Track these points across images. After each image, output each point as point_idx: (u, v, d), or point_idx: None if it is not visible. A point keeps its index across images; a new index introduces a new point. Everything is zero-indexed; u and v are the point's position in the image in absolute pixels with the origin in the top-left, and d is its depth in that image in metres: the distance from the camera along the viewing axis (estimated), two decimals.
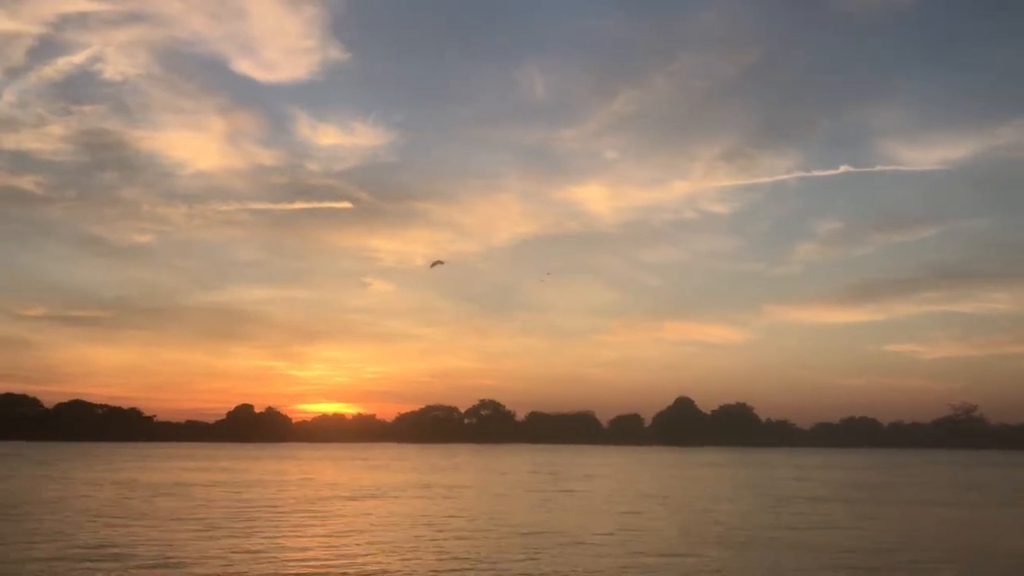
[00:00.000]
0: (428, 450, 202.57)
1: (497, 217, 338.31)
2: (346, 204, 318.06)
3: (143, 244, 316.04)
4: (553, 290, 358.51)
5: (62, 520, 39.60)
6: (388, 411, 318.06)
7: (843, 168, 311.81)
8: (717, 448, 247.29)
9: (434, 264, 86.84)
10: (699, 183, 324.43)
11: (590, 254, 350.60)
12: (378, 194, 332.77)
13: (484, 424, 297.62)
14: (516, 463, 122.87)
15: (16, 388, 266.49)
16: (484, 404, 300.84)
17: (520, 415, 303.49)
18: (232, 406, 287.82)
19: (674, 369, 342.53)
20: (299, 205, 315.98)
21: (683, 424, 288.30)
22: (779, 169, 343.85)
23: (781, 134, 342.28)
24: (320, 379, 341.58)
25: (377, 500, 53.31)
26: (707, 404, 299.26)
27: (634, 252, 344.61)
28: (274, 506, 48.50)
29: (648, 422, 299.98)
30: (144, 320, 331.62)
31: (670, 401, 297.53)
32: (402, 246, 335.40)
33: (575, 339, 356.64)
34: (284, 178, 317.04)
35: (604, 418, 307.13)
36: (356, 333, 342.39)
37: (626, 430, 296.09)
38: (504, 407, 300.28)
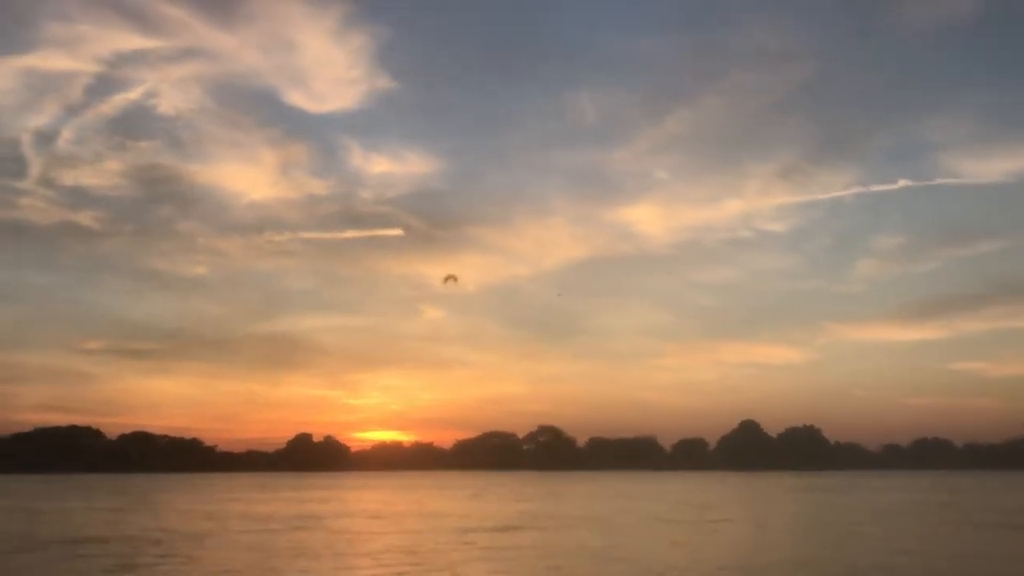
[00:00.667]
0: (497, 477, 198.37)
1: (548, 241, 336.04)
2: (397, 231, 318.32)
3: (199, 276, 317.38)
4: (606, 313, 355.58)
5: (245, 560, 36.40)
6: (444, 438, 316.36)
7: (902, 182, 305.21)
8: (787, 472, 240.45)
9: (447, 279, 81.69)
10: (754, 201, 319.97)
11: (643, 276, 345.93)
12: (429, 220, 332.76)
13: (544, 451, 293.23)
14: (613, 490, 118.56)
15: (77, 420, 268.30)
16: (543, 430, 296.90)
17: (580, 441, 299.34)
18: (290, 435, 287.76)
19: (733, 391, 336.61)
20: (351, 233, 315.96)
21: (749, 448, 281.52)
22: (836, 185, 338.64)
23: (838, 149, 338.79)
24: (375, 407, 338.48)
25: (532, 532, 49.55)
26: (772, 427, 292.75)
27: (688, 272, 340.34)
28: (441, 540, 44.98)
29: (712, 446, 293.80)
30: (201, 351, 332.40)
31: (733, 424, 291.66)
32: (454, 272, 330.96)
33: (630, 362, 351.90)
34: (336, 207, 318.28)
35: (666, 442, 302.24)
36: (410, 360, 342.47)
37: (690, 454, 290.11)
38: (564, 433, 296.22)
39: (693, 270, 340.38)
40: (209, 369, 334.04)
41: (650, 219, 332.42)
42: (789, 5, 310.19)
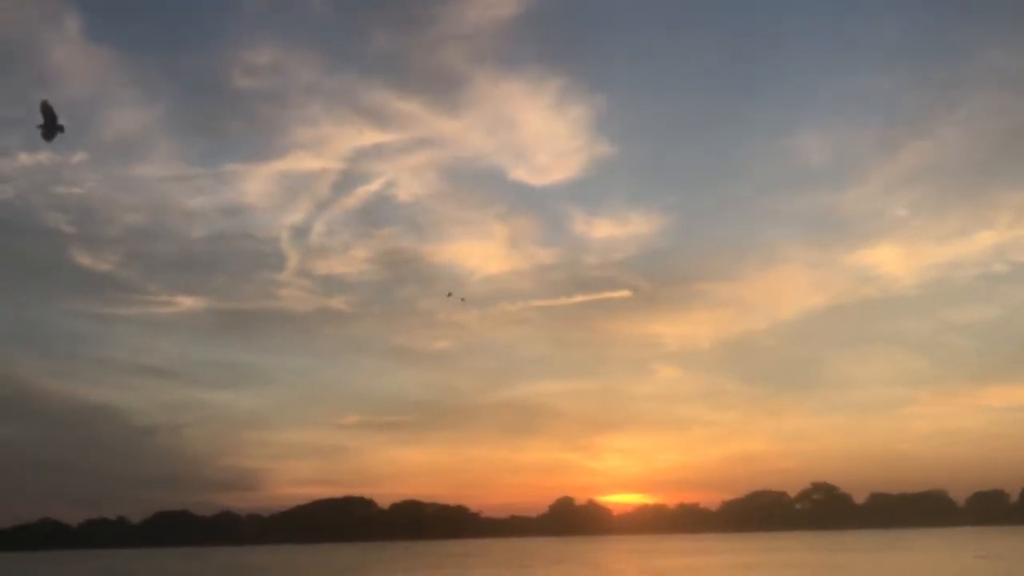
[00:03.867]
0: (786, 540, 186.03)
1: (783, 290, 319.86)
2: (625, 293, 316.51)
3: (441, 349, 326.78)
4: (852, 362, 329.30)
5: None
6: (686, 499, 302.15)
7: None
8: None
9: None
10: (1008, 231, 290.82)
11: (890, 320, 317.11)
12: (656, 279, 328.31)
13: (818, 509, 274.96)
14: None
15: (336, 492, 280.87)
16: (816, 488, 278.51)
17: (856, 497, 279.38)
18: (537, 499, 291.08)
19: (1003, 439, 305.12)
20: (579, 298, 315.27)
21: None
22: None
23: None
24: (615, 470, 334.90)
25: None
26: None
27: (940, 313, 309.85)
28: None
29: (1014, 498, 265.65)
30: (447, 420, 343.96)
31: None
32: (685, 329, 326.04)
33: (882, 413, 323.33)
34: (563, 274, 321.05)
35: (958, 496, 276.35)
36: (646, 421, 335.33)
37: (987, 508, 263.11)
38: (839, 489, 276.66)
39: (945, 310, 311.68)
40: (455, 437, 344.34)
41: (892, 259, 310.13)
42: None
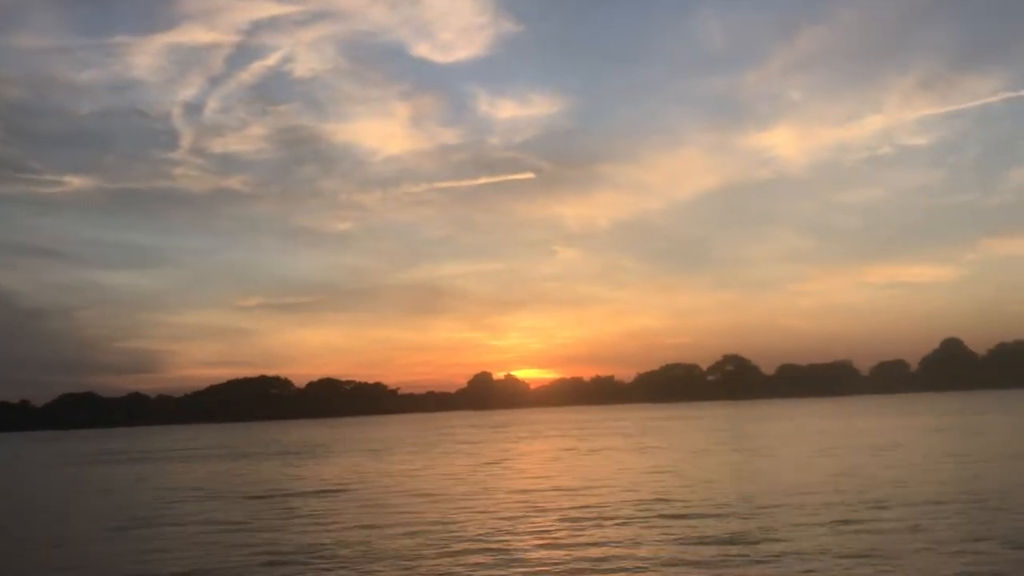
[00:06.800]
0: (706, 408, 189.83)
1: (681, 172, 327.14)
2: (528, 175, 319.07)
3: (343, 231, 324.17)
4: (744, 241, 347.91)
5: None
6: (585, 374, 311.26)
7: None
8: (999, 391, 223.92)
9: None
10: (895, 115, 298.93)
11: (781, 201, 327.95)
12: (559, 161, 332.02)
13: (730, 380, 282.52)
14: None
15: (241, 373, 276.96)
16: (728, 359, 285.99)
17: (767, 369, 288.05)
18: (463, 376, 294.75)
19: (885, 313, 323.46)
20: (483, 180, 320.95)
21: (954, 367, 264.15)
22: (984, 91, 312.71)
23: (985, 54, 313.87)
24: (518, 347, 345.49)
25: None
26: (977, 345, 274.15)
27: (828, 195, 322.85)
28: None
29: (914, 367, 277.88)
30: (350, 302, 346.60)
31: (934, 344, 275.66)
32: (587, 211, 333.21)
33: (771, 290, 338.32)
34: (467, 155, 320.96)
35: (863, 366, 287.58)
36: (548, 300, 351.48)
37: (890, 377, 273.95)
38: (750, 361, 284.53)
39: (833, 192, 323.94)
40: (359, 318, 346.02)
41: (786, 142, 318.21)
42: None
